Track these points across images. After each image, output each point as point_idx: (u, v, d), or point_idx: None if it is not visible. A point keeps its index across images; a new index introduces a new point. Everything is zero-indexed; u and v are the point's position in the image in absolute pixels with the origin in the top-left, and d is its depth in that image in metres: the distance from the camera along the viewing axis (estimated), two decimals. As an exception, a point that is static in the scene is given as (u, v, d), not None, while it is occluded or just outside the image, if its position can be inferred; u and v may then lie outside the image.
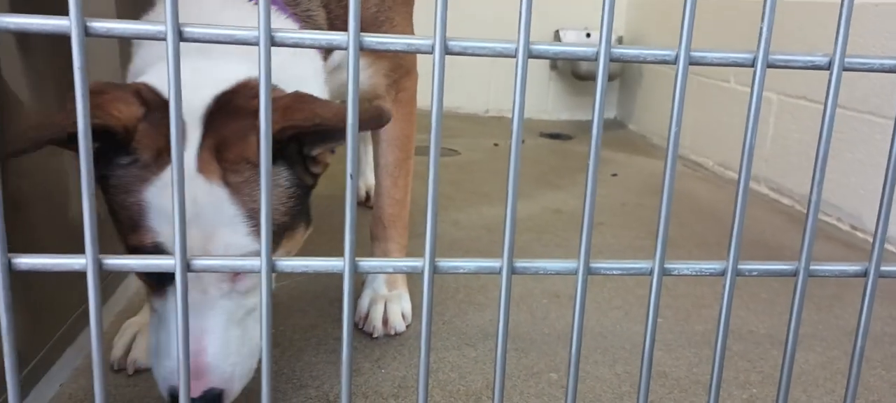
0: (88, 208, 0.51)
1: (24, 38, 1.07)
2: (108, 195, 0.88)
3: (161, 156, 0.83)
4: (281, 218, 0.91)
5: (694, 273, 0.59)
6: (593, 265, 0.58)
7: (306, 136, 0.88)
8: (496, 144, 3.16)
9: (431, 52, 0.52)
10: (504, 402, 1.13)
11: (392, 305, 1.37)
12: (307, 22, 1.08)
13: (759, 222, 2.24)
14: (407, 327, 1.37)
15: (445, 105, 3.64)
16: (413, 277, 1.49)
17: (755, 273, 0.60)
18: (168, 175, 0.83)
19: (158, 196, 0.84)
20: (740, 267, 0.59)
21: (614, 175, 2.75)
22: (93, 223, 0.52)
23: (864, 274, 0.61)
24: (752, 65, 0.55)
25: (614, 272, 0.59)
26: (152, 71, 0.92)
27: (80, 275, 0.53)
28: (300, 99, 0.87)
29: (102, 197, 0.89)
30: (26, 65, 1.09)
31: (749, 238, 2.06)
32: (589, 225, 0.55)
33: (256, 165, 0.86)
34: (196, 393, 0.85)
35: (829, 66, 0.56)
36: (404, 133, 1.38)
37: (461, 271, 0.58)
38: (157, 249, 0.84)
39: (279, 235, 0.92)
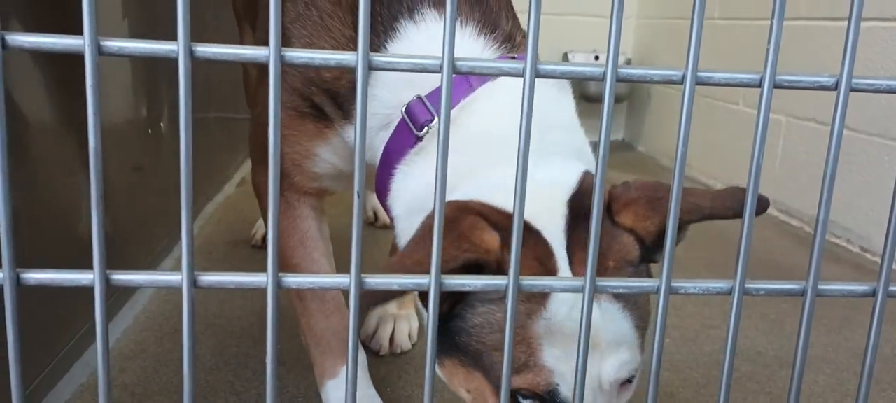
0: (97, 223, 0.52)
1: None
2: (462, 337, 0.78)
3: None
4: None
5: (701, 292, 0.59)
6: (599, 283, 0.57)
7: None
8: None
9: (440, 71, 0.52)
10: (510, 423, 1.12)
11: (400, 324, 1.37)
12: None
13: (768, 244, 2.23)
14: (413, 346, 1.37)
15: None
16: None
17: (762, 292, 0.60)
18: (555, 304, 0.75)
19: (549, 328, 0.74)
20: (748, 286, 0.59)
21: (622, 195, 2.74)
22: (100, 238, 0.52)
23: (873, 294, 0.60)
24: (759, 85, 0.55)
25: (620, 290, 0.58)
26: (474, 184, 0.82)
27: (86, 291, 0.53)
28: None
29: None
30: (40, 77, 1.10)
31: (758, 259, 2.05)
32: (595, 242, 0.55)
33: (637, 265, 0.80)
34: None
35: (835, 87, 0.56)
36: None
37: (467, 288, 0.58)
38: (553, 395, 0.75)
39: None
